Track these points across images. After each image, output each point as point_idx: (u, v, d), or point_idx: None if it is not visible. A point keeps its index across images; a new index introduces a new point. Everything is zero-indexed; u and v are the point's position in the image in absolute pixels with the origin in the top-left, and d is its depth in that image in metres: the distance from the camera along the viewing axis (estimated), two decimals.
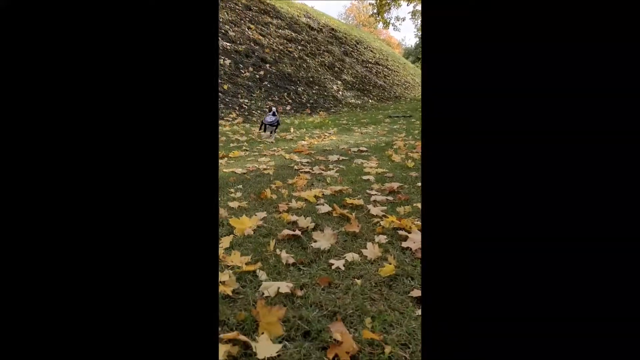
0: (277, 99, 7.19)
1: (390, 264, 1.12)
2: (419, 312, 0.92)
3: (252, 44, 8.26)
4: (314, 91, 8.52)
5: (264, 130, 3.95)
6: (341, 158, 2.87)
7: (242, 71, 7.23)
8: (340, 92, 9.53)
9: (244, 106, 6.18)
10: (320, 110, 7.69)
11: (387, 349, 0.79)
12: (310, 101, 7.96)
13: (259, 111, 6.25)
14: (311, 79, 8.94)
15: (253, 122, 5.54)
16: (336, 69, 10.71)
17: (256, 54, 8.05)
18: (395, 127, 5.04)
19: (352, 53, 12.81)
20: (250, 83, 7.06)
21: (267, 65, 8.01)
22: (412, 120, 6.00)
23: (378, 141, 3.77)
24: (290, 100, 7.49)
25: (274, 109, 3.92)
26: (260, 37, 8.76)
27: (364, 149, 3.25)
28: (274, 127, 3.88)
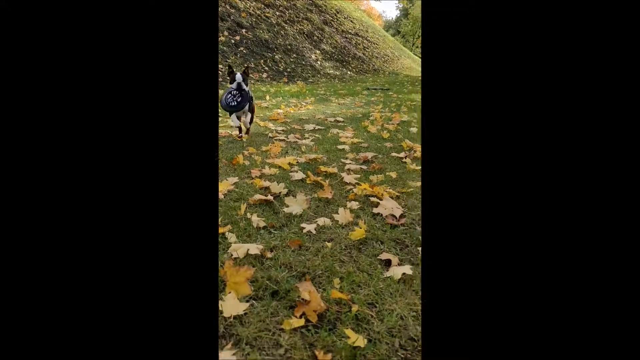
0: (252, 65, 6.97)
1: (360, 228, 1.13)
2: (387, 273, 0.94)
3: (228, 7, 7.90)
4: (291, 59, 8.31)
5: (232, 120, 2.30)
6: (317, 127, 2.83)
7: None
8: (319, 62, 9.35)
9: (219, 72, 5.96)
10: (297, 80, 7.54)
11: (354, 308, 0.80)
12: (288, 69, 7.77)
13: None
14: (289, 47, 8.69)
15: (226, 87, 5.37)
16: (315, 37, 10.45)
17: (232, 17, 7.71)
18: (372, 99, 5.02)
19: (332, 22, 12.49)
20: (225, 48, 6.80)
21: (244, 30, 7.71)
22: (390, 93, 5.98)
23: (355, 112, 3.74)
24: (266, 68, 7.28)
25: (239, 75, 2.21)
26: (237, 0, 8.37)
27: (341, 119, 3.22)
28: (248, 114, 2.34)
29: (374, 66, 12.22)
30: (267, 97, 4.63)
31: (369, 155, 2.04)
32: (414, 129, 2.87)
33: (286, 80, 7.15)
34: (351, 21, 14.26)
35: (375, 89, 6.26)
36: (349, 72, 10.09)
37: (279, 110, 3.60)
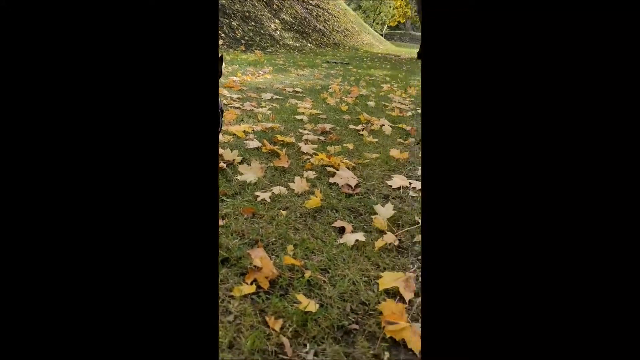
0: None
1: (316, 197, 1.12)
2: (341, 240, 0.94)
3: None
4: (249, 27, 7.97)
5: None
6: (275, 97, 2.76)
7: None
8: (278, 32, 9.05)
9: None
10: (255, 49, 7.26)
11: (307, 274, 0.80)
12: (246, 38, 7.46)
13: None
14: (247, 14, 8.32)
15: None
16: (274, 6, 10.07)
17: None
18: (332, 72, 4.96)
19: None
20: None
21: None
22: (350, 67, 5.94)
23: (314, 84, 3.68)
24: (223, 35, 6.94)
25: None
26: None
27: (300, 90, 3.15)
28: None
29: (335, 40, 12.05)
30: (223, 65, 4.42)
31: (327, 126, 2.02)
32: (371, 103, 2.88)
33: (243, 49, 6.86)
34: None
35: (335, 62, 6.18)
36: (309, 45, 9.88)
37: (235, 78, 3.46)
